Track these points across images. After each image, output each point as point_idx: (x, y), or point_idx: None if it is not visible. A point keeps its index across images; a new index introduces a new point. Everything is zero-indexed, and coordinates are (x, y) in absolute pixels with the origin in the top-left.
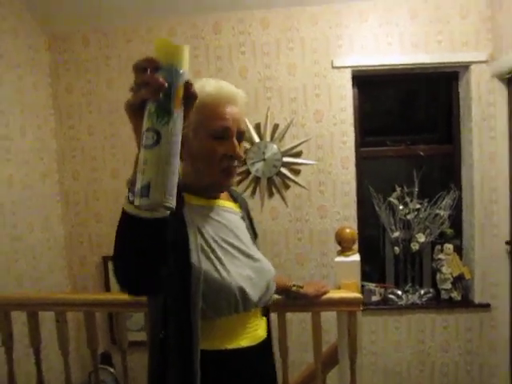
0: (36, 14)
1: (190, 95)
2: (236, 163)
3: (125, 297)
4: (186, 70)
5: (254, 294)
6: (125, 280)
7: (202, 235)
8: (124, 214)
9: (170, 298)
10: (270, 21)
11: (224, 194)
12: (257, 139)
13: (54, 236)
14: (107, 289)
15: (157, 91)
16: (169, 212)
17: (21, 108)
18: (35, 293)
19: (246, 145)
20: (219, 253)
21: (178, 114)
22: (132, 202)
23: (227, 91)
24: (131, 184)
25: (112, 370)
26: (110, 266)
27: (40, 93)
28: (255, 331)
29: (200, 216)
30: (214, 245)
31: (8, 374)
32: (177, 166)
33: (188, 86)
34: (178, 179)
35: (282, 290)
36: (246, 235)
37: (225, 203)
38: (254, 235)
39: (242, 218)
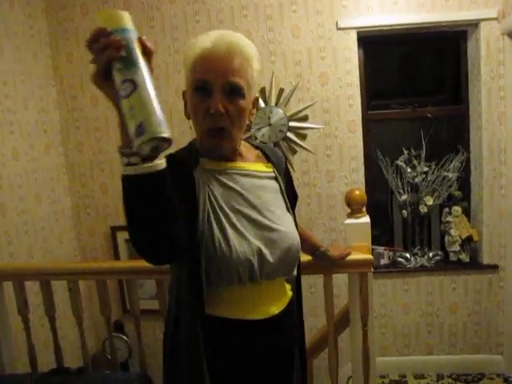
0: None
1: (147, 50)
2: (224, 123)
3: (136, 264)
4: (133, 28)
5: (262, 267)
6: (142, 247)
7: (211, 203)
8: (124, 180)
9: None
10: None
11: (251, 154)
12: (262, 104)
13: (62, 208)
14: (116, 258)
15: (118, 48)
16: (167, 146)
17: (22, 79)
18: (48, 262)
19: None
20: (226, 224)
21: (144, 62)
22: (128, 164)
23: (219, 43)
24: (122, 149)
25: (125, 337)
26: (119, 235)
27: (40, 63)
28: (264, 306)
29: (212, 181)
30: (221, 214)
31: (27, 340)
32: (159, 102)
33: (142, 41)
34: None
35: (310, 250)
36: (270, 200)
37: (245, 165)
38: (294, 197)
39: (275, 178)
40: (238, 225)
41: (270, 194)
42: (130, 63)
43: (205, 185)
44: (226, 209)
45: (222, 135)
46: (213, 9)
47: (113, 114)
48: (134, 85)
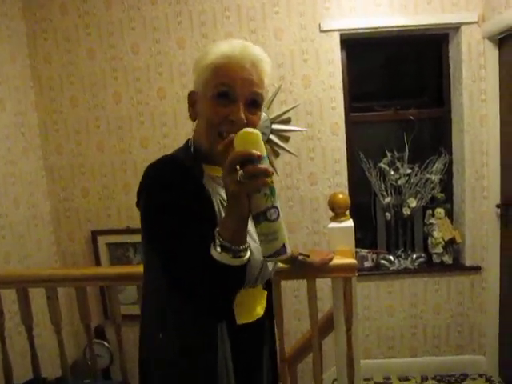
0: None
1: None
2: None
3: (116, 270)
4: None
5: (264, 272)
6: (223, 311)
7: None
8: (229, 267)
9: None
10: None
11: None
12: None
13: (41, 212)
14: (97, 263)
15: (271, 179)
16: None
17: None
18: (25, 269)
19: None
20: None
21: None
22: (239, 257)
23: (245, 54)
24: (233, 246)
25: (106, 343)
26: (100, 240)
27: (18, 64)
28: (253, 308)
29: (218, 188)
30: None
31: (1, 350)
32: None
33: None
34: (193, 146)
35: (288, 259)
36: None
37: None
38: None
39: None
40: (251, 230)
41: None
42: (274, 191)
43: (214, 192)
44: None
45: None
46: (195, 10)
47: (92, 116)
48: (278, 211)
